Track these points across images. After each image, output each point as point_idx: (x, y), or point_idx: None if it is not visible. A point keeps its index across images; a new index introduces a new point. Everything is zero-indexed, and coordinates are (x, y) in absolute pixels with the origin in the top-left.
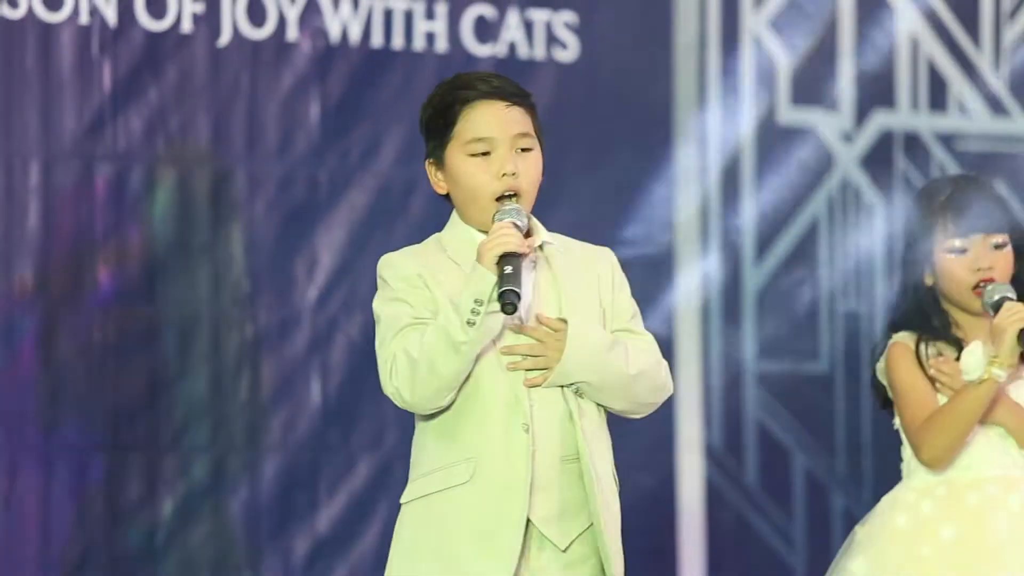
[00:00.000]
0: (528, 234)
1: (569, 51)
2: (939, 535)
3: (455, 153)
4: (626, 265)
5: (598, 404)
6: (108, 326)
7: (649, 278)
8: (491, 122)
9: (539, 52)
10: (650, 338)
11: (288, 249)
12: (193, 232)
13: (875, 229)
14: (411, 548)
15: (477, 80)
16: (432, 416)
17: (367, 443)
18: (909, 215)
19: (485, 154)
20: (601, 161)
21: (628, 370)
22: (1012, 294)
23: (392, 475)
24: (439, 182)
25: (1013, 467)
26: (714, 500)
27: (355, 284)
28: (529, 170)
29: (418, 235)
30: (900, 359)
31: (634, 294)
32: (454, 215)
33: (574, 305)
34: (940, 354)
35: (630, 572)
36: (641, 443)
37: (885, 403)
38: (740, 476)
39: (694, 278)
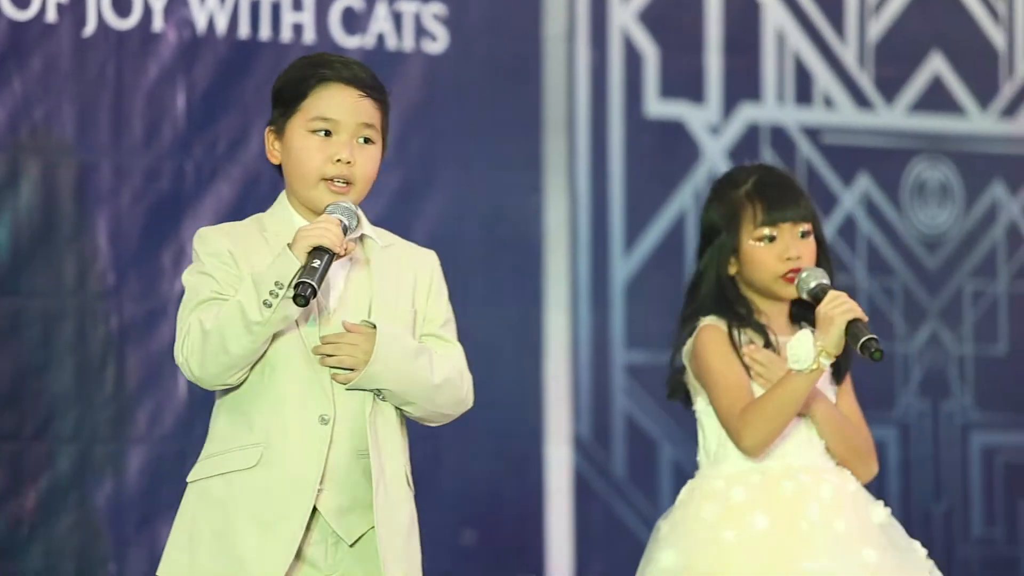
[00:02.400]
0: (344, 234)
1: (438, 43)
2: (750, 522)
3: (296, 126)
4: (495, 257)
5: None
6: None
7: (518, 270)
8: (340, 105)
9: (408, 44)
10: (459, 349)
11: (154, 240)
12: (58, 223)
13: None
14: (191, 529)
15: (338, 63)
16: (226, 394)
17: None
18: (710, 203)
19: (326, 134)
20: (470, 153)
21: (432, 379)
22: (827, 280)
23: None
24: (274, 151)
25: (819, 456)
26: (582, 491)
27: None
28: (366, 163)
29: None
30: (713, 344)
31: (503, 286)
32: (282, 195)
33: (385, 305)
34: (751, 341)
35: (498, 562)
36: (509, 434)
37: (675, 388)
38: (608, 467)
39: (562, 270)
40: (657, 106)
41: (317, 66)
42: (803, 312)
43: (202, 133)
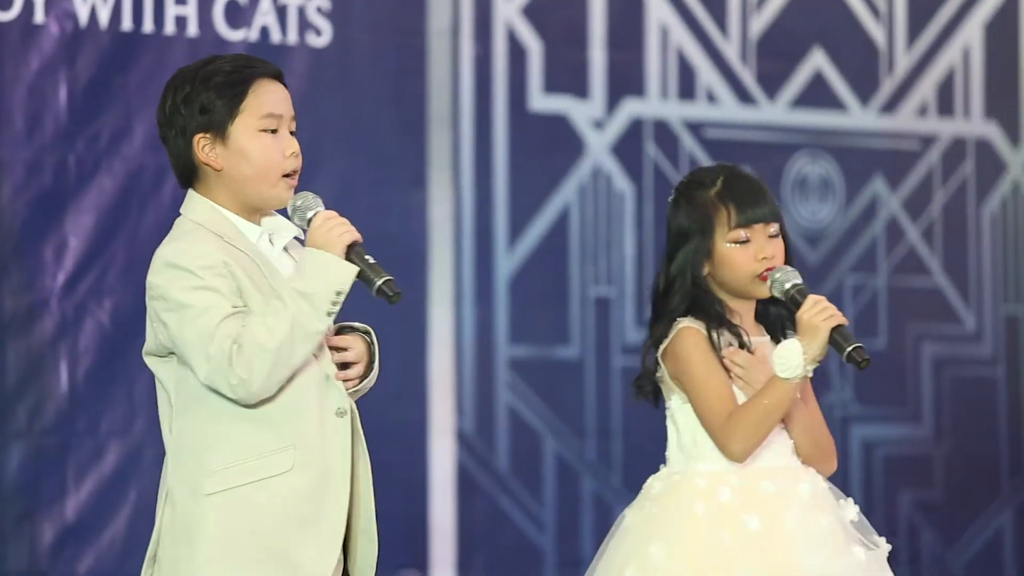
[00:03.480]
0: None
1: (322, 37)
2: (743, 523)
3: (243, 128)
4: (379, 252)
5: None
6: None
7: (402, 264)
8: (279, 101)
9: (292, 37)
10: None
11: (35, 234)
12: None
13: (625, 216)
14: (224, 540)
15: (254, 60)
16: (224, 402)
17: (117, 429)
18: (678, 206)
19: (274, 131)
20: (354, 148)
21: (375, 370)
22: (800, 280)
23: (142, 460)
24: (214, 158)
25: (790, 456)
26: (465, 485)
27: (105, 269)
28: (300, 152)
29: (168, 221)
30: (694, 346)
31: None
32: (198, 198)
33: None
34: (730, 343)
35: (382, 556)
36: (393, 428)
37: (643, 388)
38: (491, 461)
39: (446, 264)
40: (541, 101)
41: (243, 66)
42: (767, 312)
43: (84, 126)
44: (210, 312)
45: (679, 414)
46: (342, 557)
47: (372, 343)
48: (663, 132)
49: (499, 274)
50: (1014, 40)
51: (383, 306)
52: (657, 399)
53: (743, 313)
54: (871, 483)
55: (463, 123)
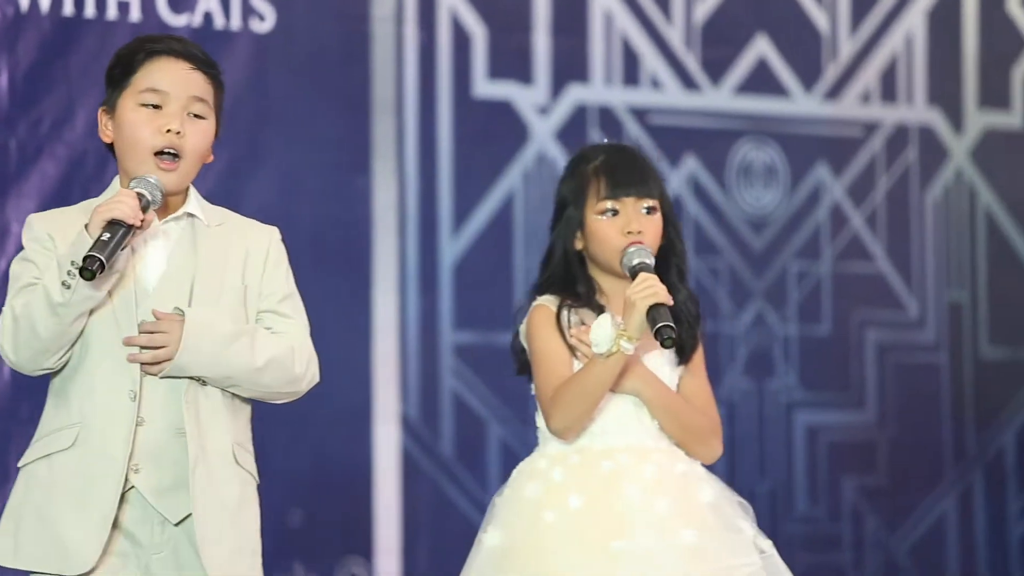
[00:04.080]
0: (146, 209)
1: (266, 22)
2: (566, 502)
3: (127, 101)
4: (323, 238)
5: None
6: None
7: (346, 251)
8: (170, 78)
9: (235, 23)
10: (300, 324)
11: None
12: None
13: None
14: (17, 514)
15: (169, 38)
16: (54, 377)
17: None
18: (562, 180)
19: (156, 107)
20: (298, 134)
21: (254, 362)
22: (650, 260)
23: None
24: (107, 130)
25: (647, 436)
26: (410, 470)
27: None
28: (196, 136)
29: None
30: (541, 324)
31: (331, 266)
32: (115, 180)
33: (208, 283)
34: (583, 322)
35: (326, 542)
36: (337, 414)
37: (522, 368)
38: (436, 446)
39: (391, 250)
40: (485, 87)
41: (146, 41)
42: None
43: (26, 111)
44: (13, 282)
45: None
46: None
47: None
48: (607, 118)
49: (443, 260)
50: (956, 27)
51: (330, 294)
52: (530, 380)
53: (614, 293)
54: (815, 469)
55: (407, 109)
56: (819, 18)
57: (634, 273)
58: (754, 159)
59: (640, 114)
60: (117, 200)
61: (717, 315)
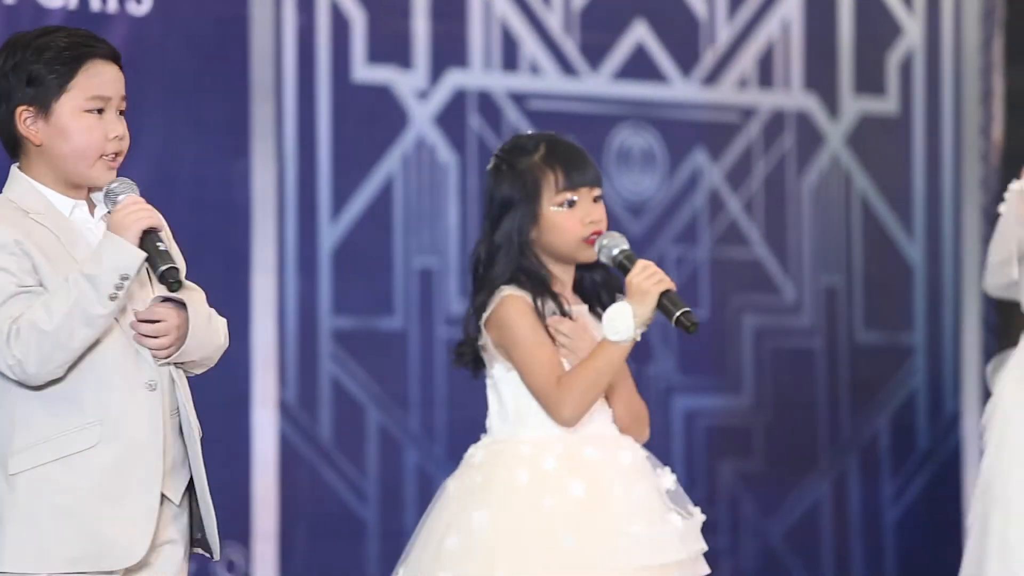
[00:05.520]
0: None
1: (143, 5)
2: (567, 489)
3: (68, 106)
4: (202, 222)
5: None
6: None
7: (225, 235)
8: (110, 82)
9: (112, 5)
10: (201, 291)
11: None
12: None
13: (449, 186)
14: (30, 520)
15: (92, 38)
16: (39, 386)
17: None
18: (500, 173)
19: (99, 112)
20: (176, 117)
21: (221, 340)
22: (627, 245)
23: None
24: (35, 132)
25: (607, 423)
26: (288, 455)
27: None
28: (126, 135)
29: None
30: (522, 314)
31: (210, 251)
32: (17, 173)
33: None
34: (555, 312)
35: None
36: (216, 398)
37: (463, 356)
38: (314, 432)
39: (270, 235)
40: (364, 71)
41: (81, 44)
42: (583, 280)
43: None
44: None
45: (502, 383)
46: (187, 530)
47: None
48: (486, 103)
49: (323, 245)
50: (832, 13)
51: (208, 278)
52: (477, 368)
53: (565, 281)
54: (693, 453)
55: (286, 93)
56: (697, 4)
57: (618, 263)
58: (632, 144)
59: (519, 99)
60: (140, 208)
61: None
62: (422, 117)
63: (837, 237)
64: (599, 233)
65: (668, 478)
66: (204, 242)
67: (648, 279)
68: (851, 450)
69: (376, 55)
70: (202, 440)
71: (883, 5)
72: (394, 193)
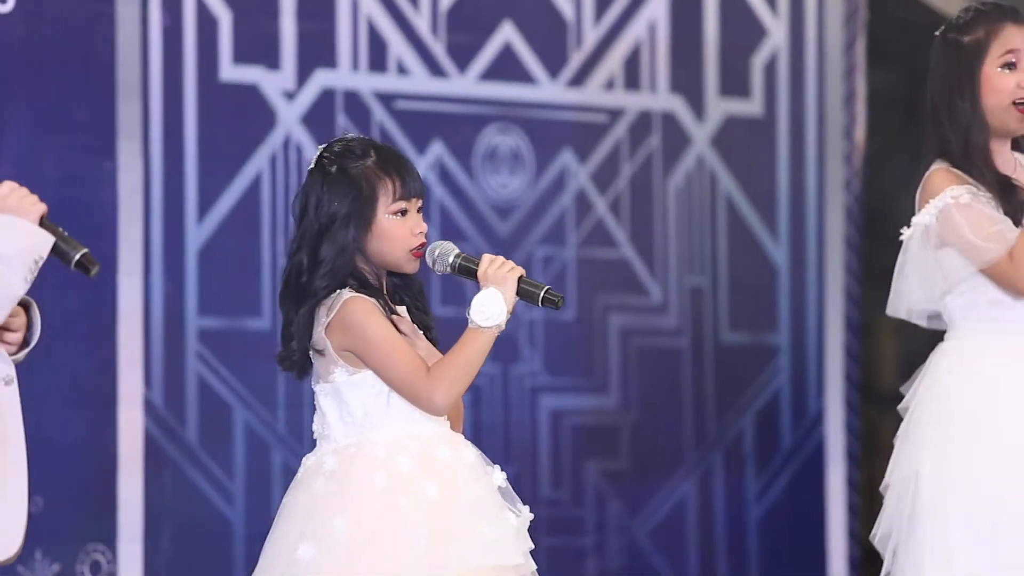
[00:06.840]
0: None
1: (7, 3)
2: (422, 490)
3: None
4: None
5: None
6: None
7: (91, 233)
8: None
9: None
10: None
11: None
12: None
13: None
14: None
15: None
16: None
17: None
18: (327, 177)
19: None
20: (40, 117)
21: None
22: (455, 246)
23: None
24: None
25: (445, 421)
26: (154, 456)
27: None
28: None
29: None
30: (368, 314)
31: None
32: None
33: None
34: (394, 313)
35: (67, 529)
36: (82, 398)
37: (291, 362)
38: (180, 432)
39: (136, 235)
40: (231, 71)
41: None
42: (395, 286)
43: None
44: None
45: (346, 388)
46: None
47: (32, 310)
48: (354, 103)
49: (189, 244)
50: (698, 15)
51: (74, 278)
52: (302, 373)
53: (383, 287)
54: (559, 453)
55: (152, 92)
56: (564, 5)
57: (458, 267)
58: (500, 145)
59: (387, 99)
60: (26, 193)
61: (463, 301)
62: (289, 117)
63: (702, 238)
64: (424, 245)
65: (499, 475)
66: None
67: (500, 268)
68: (716, 449)
69: (243, 55)
70: (66, 440)
71: (748, 8)
72: (261, 193)
